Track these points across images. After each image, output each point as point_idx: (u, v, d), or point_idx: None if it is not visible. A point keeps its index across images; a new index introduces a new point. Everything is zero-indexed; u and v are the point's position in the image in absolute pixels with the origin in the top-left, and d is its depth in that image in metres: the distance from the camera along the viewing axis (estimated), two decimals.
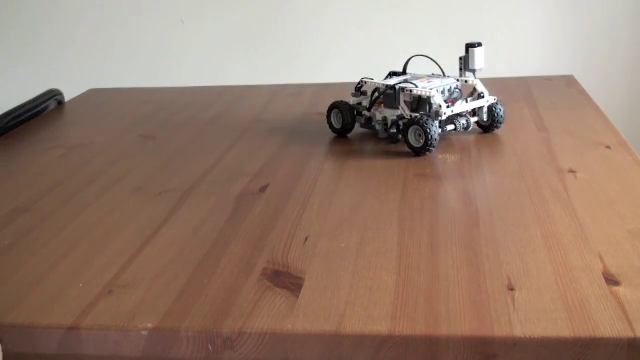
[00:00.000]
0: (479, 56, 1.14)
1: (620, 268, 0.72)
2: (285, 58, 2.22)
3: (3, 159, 1.24)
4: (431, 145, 1.06)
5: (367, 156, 1.11)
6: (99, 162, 1.17)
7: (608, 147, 1.08)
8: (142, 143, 1.27)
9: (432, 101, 1.09)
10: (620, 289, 0.68)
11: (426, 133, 1.06)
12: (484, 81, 1.16)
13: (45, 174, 1.13)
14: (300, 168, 1.07)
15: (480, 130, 1.19)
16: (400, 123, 1.12)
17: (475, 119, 1.16)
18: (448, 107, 1.10)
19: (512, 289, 0.69)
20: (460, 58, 1.16)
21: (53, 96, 1.57)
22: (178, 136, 1.29)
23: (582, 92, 1.42)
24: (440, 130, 1.09)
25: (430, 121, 1.06)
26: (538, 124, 1.22)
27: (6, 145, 1.31)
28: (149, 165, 1.14)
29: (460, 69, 1.17)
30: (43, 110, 1.52)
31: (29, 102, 1.49)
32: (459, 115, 1.13)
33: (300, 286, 0.72)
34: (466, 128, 1.14)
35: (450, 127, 1.13)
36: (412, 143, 1.09)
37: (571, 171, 0.99)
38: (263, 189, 1.00)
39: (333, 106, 1.21)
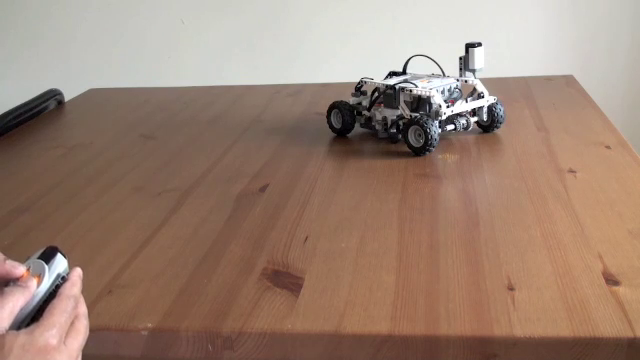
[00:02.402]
0: (479, 56, 1.14)
1: (620, 268, 0.72)
2: (285, 58, 2.22)
3: (3, 159, 1.24)
4: (431, 145, 1.06)
5: (367, 156, 1.11)
6: (99, 162, 1.17)
7: (608, 147, 1.08)
8: (142, 143, 1.27)
9: (432, 101, 1.09)
10: (620, 289, 0.68)
11: (426, 133, 1.06)
12: (484, 81, 1.16)
13: (45, 174, 1.13)
14: (300, 168, 1.07)
15: (480, 130, 1.19)
16: (400, 123, 1.12)
17: (475, 119, 1.16)
18: (448, 107, 1.10)
19: (512, 289, 0.69)
20: (460, 58, 1.16)
21: (53, 96, 1.57)
22: (178, 136, 1.29)
23: (582, 92, 1.42)
24: (440, 130, 1.09)
25: (430, 121, 1.06)
26: (538, 124, 1.22)
27: (6, 145, 1.31)
28: (149, 165, 1.14)
29: (460, 69, 1.17)
30: (43, 110, 1.52)
31: (29, 102, 1.49)
32: (459, 115, 1.13)
33: (300, 286, 0.72)
34: (466, 128, 1.14)
35: (450, 127, 1.13)
36: (412, 143, 1.09)
37: (571, 171, 0.99)
38: (263, 189, 1.00)
39: (333, 106, 1.21)
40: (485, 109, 1.16)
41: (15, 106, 1.45)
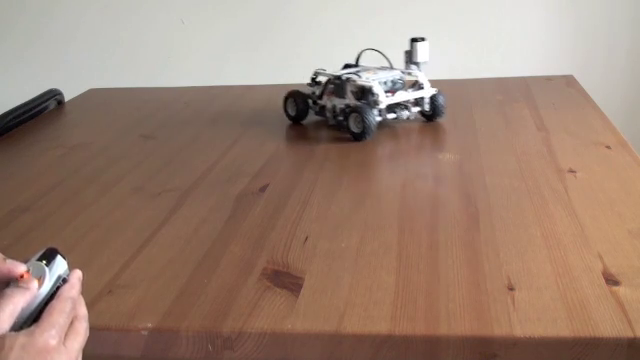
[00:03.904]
0: (422, 50, 1.23)
1: (620, 268, 0.72)
2: (285, 58, 2.22)
3: (3, 159, 1.24)
4: (369, 132, 1.14)
5: (367, 156, 1.11)
6: (99, 162, 1.17)
7: (608, 147, 1.08)
8: (142, 143, 1.27)
9: (372, 91, 1.17)
10: (620, 289, 0.68)
11: (364, 120, 1.14)
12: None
13: (45, 174, 1.13)
14: (300, 168, 1.07)
15: (424, 119, 1.23)
16: (347, 111, 1.19)
17: (418, 109, 1.23)
18: (387, 97, 1.17)
19: (512, 289, 0.69)
20: (405, 52, 1.25)
21: (53, 96, 1.57)
22: (178, 136, 1.29)
23: (582, 92, 1.42)
24: (381, 118, 1.18)
25: (368, 109, 1.14)
26: (538, 124, 1.22)
27: (6, 145, 1.31)
28: (149, 165, 1.14)
29: (405, 62, 1.25)
30: (43, 110, 1.52)
31: (29, 102, 1.49)
32: (400, 104, 1.21)
33: (300, 286, 0.72)
34: (408, 117, 1.22)
35: (392, 115, 1.20)
36: (352, 129, 1.17)
37: (571, 171, 0.99)
38: (263, 189, 1.00)
39: (289, 95, 1.31)
40: (427, 100, 1.23)
41: (15, 106, 1.45)
